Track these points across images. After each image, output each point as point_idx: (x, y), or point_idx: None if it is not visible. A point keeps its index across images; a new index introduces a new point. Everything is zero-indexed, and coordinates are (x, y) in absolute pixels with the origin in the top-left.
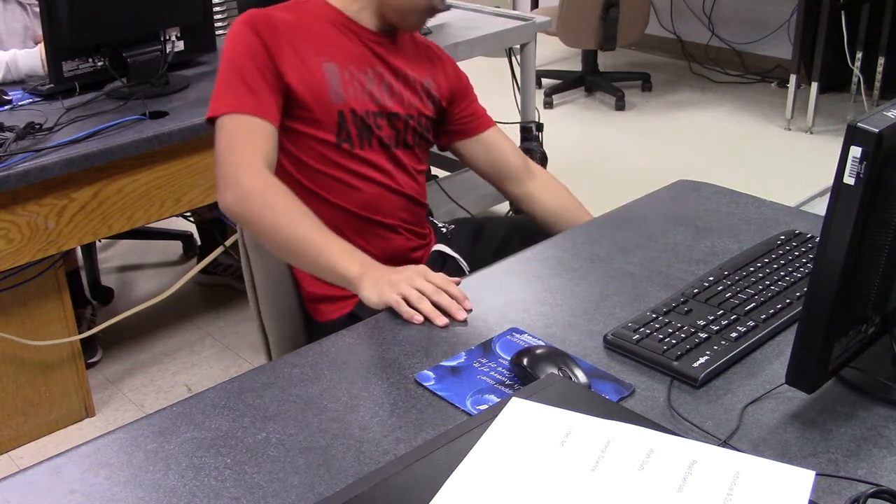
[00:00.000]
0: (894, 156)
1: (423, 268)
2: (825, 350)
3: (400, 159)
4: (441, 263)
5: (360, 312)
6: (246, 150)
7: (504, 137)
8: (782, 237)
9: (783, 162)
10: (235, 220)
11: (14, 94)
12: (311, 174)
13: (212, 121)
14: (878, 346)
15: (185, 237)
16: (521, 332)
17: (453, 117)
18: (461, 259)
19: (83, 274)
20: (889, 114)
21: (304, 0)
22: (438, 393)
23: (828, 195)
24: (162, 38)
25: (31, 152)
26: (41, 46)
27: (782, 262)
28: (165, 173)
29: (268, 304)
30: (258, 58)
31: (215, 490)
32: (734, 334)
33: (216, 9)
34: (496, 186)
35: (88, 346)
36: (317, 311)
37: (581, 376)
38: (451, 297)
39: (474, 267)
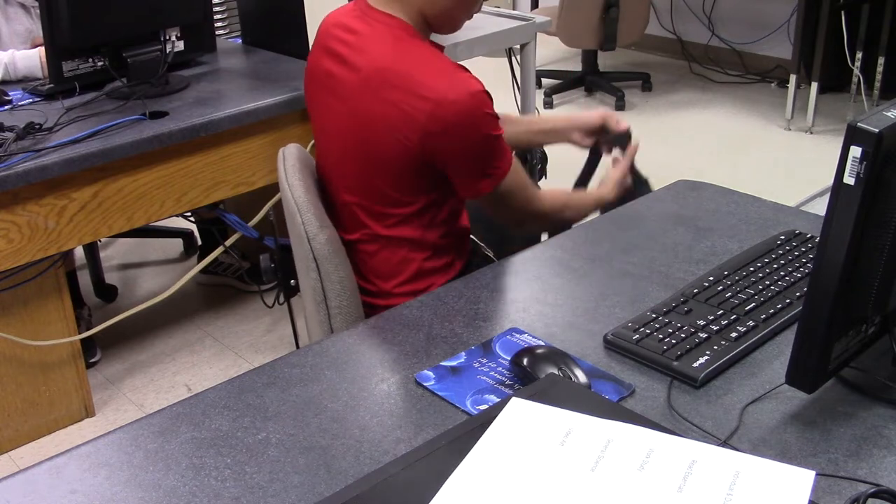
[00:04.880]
0: (894, 156)
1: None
2: (825, 350)
3: None
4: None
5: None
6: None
7: None
8: (782, 237)
9: (783, 162)
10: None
11: (14, 94)
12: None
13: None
14: (878, 346)
15: (185, 235)
16: (521, 332)
17: None
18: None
19: (87, 273)
20: (889, 114)
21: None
22: (438, 393)
23: (828, 195)
24: (162, 38)
25: (31, 152)
26: (40, 49)
27: (782, 262)
28: (165, 173)
29: (341, 318)
30: None
31: (215, 490)
32: (734, 334)
33: (216, 9)
34: None
35: (88, 347)
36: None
37: (581, 376)
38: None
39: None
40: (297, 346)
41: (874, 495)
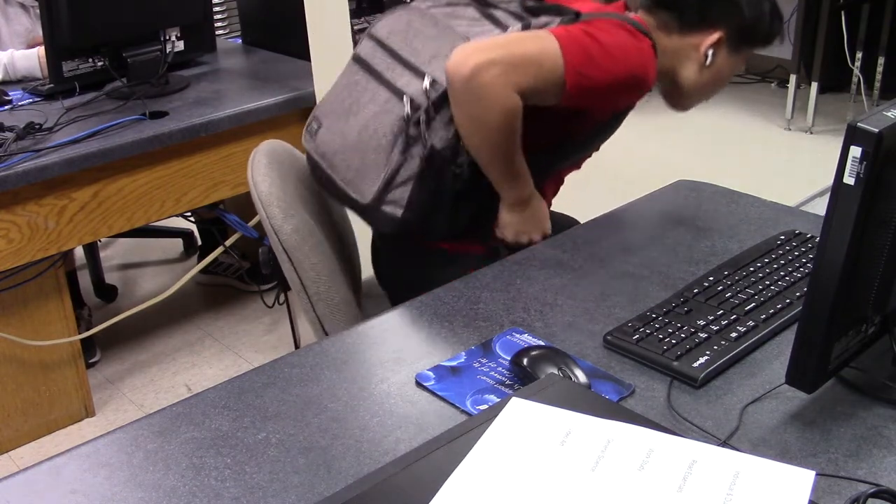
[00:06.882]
0: (894, 156)
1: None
2: (825, 350)
3: None
4: None
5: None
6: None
7: None
8: (782, 237)
9: (783, 162)
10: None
11: (14, 94)
12: None
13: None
14: (878, 346)
15: (185, 235)
16: (521, 332)
17: None
18: None
19: (87, 273)
20: (889, 114)
21: None
22: (438, 393)
23: (828, 195)
24: (162, 38)
25: (31, 152)
26: (39, 48)
27: (782, 262)
28: (165, 173)
29: (322, 304)
30: None
31: (215, 490)
32: (734, 334)
33: (216, 9)
34: None
35: (88, 347)
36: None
37: (581, 376)
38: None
39: None
40: (297, 346)
41: (874, 495)
